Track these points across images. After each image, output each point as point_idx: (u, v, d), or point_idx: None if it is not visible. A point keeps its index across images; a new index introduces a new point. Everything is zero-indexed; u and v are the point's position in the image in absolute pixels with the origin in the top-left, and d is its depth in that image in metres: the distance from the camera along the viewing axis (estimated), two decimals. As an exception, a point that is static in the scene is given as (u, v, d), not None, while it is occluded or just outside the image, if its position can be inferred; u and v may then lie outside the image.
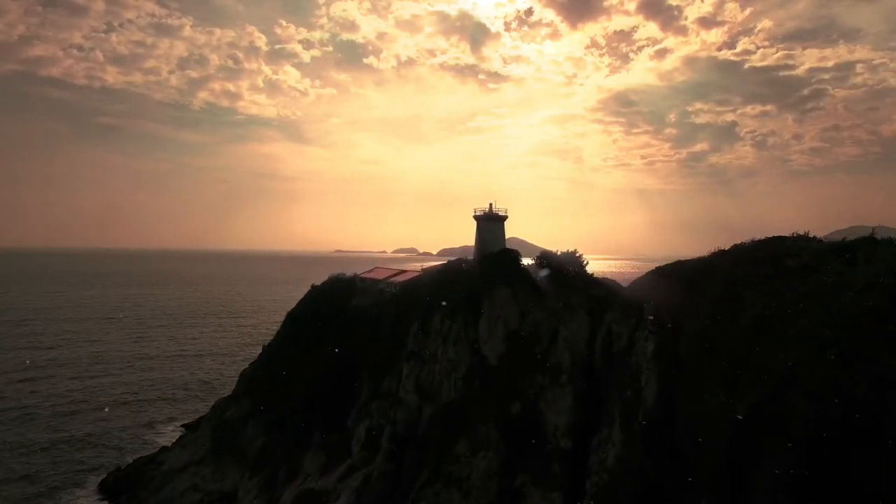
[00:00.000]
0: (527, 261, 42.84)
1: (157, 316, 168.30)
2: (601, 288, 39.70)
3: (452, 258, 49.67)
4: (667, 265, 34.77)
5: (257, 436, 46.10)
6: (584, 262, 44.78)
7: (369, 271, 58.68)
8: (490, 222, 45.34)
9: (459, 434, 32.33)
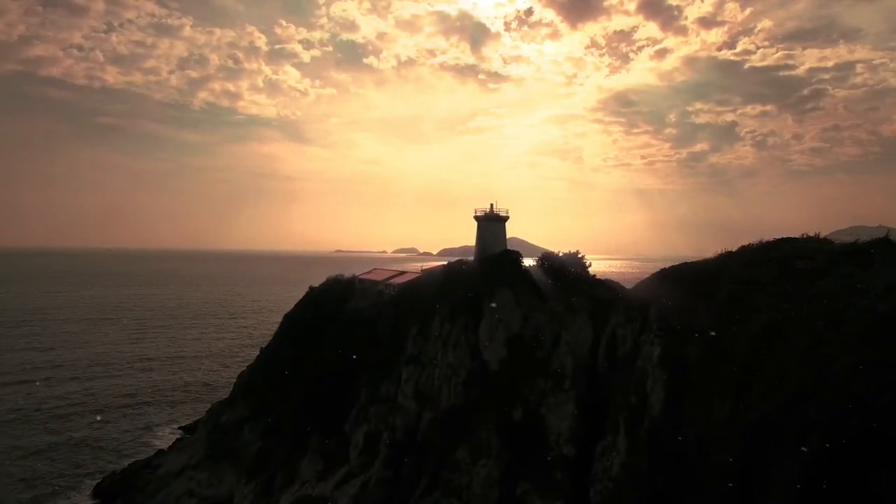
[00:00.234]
0: (528, 261, 42.03)
1: (156, 316, 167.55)
2: (604, 290, 38.89)
3: (453, 258, 48.86)
4: (672, 267, 33.92)
5: (254, 440, 45.30)
6: (587, 264, 43.97)
7: (368, 272, 57.86)
8: (491, 223, 44.51)
9: (459, 441, 31.53)
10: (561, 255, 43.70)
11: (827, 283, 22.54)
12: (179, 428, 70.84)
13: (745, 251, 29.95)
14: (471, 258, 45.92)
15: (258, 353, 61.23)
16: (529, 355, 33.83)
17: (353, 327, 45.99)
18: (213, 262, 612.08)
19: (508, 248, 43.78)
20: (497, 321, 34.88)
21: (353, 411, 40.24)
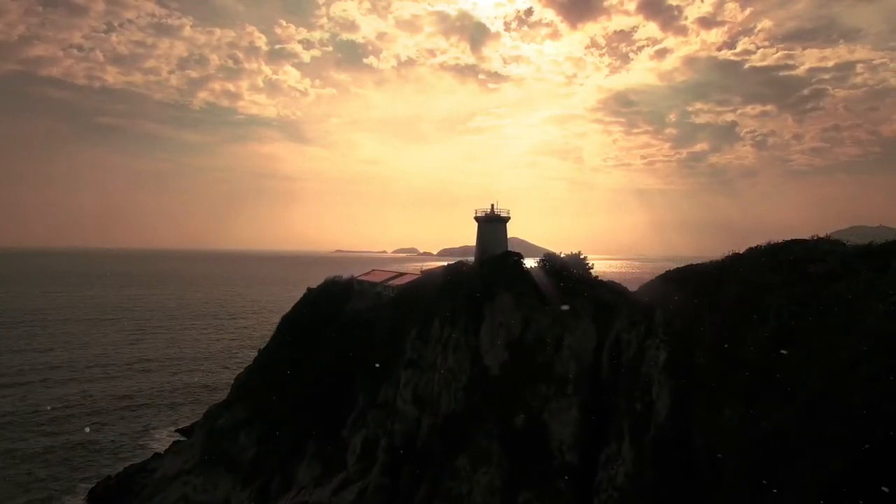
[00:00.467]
0: (529, 262, 41.23)
1: (156, 317, 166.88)
2: (607, 292, 38.06)
3: (453, 258, 48.11)
4: (677, 269, 33.08)
5: (250, 444, 44.50)
6: (589, 265, 43.16)
7: (367, 274, 57.04)
8: (491, 224, 43.65)
9: (460, 447, 30.72)
10: (563, 256, 42.92)
11: (841, 286, 21.71)
12: (177, 430, 70.19)
13: (753, 253, 29.09)
14: (471, 259, 45.12)
15: (256, 354, 60.54)
16: (531, 359, 33.02)
17: (351, 330, 45.20)
18: (213, 262, 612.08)
19: (509, 249, 42.93)
20: (498, 324, 34.07)
21: (351, 416, 39.43)
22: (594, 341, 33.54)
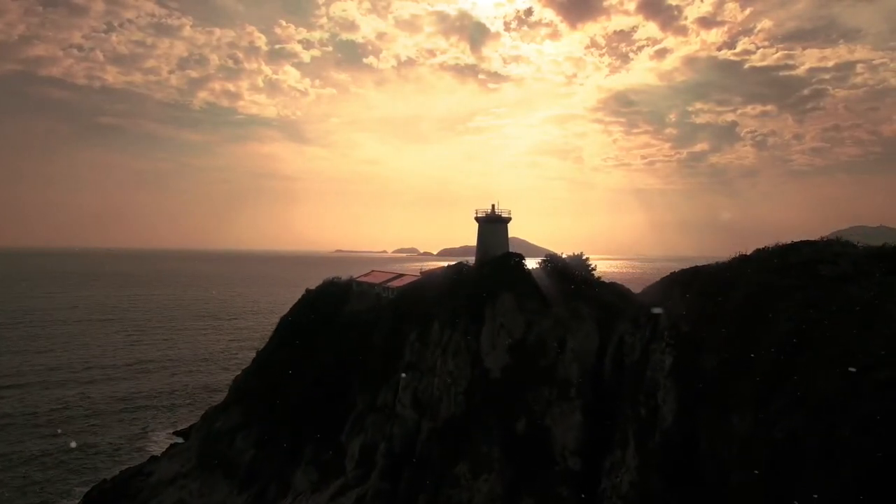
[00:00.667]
0: (530, 262, 40.54)
1: (155, 318, 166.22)
2: (610, 294, 37.40)
3: (453, 258, 47.45)
4: (682, 271, 32.36)
5: (247, 448, 43.81)
6: (592, 267, 42.46)
7: (366, 275, 56.34)
8: (492, 224, 42.90)
9: (460, 453, 30.02)
10: (565, 257, 42.24)
11: (854, 289, 21.03)
12: (175, 433, 69.55)
13: (762, 255, 28.39)
14: (471, 260, 44.42)
15: (254, 355, 59.87)
16: (533, 363, 32.32)
17: (349, 332, 44.50)
18: (213, 262, 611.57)
19: (510, 249, 42.20)
20: (499, 327, 33.36)
21: (349, 420, 38.73)
22: (597, 344, 32.85)
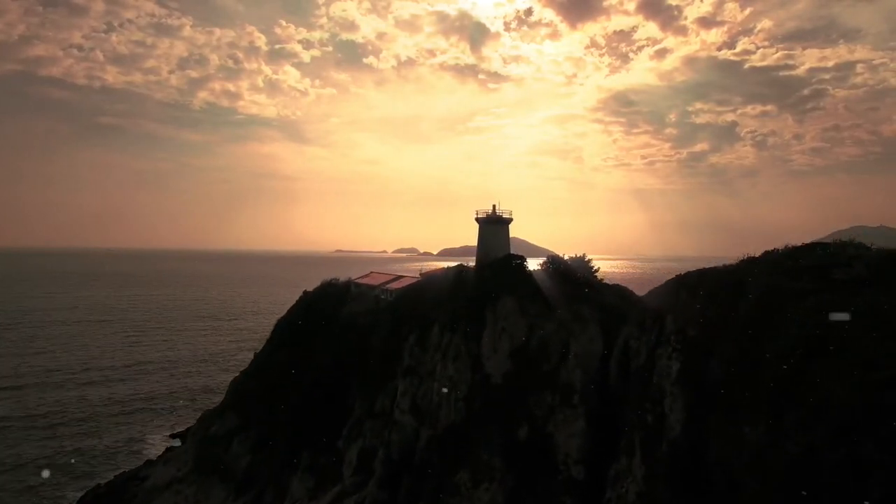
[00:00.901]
0: (531, 263, 39.69)
1: (154, 318, 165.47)
2: (614, 297, 36.54)
3: (453, 258, 46.63)
4: (688, 273, 31.49)
5: (243, 453, 42.98)
6: (594, 268, 41.62)
7: (364, 276, 55.48)
8: (493, 225, 41.98)
9: (460, 461, 29.16)
10: (566, 258, 41.40)
11: (871, 294, 20.16)
12: (172, 435, 68.76)
13: (771, 257, 27.51)
14: (472, 261, 43.57)
15: (252, 357, 59.11)
16: (535, 368, 31.46)
17: (347, 334, 43.64)
18: (213, 262, 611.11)
19: (513, 252, 41.31)
20: (500, 331, 32.50)
21: (346, 426, 37.86)
22: (601, 348, 32.00)
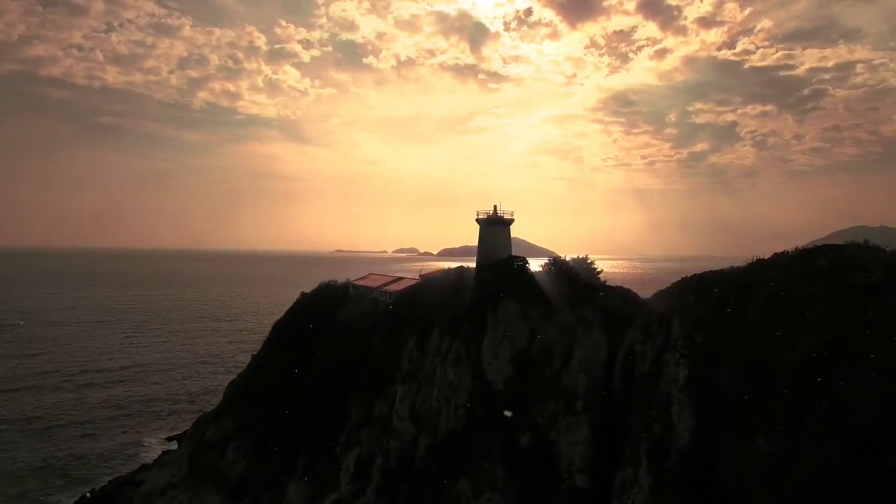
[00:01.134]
0: (532, 264, 38.78)
1: (153, 319, 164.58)
2: (618, 300, 35.60)
3: (453, 258, 45.73)
4: (695, 275, 30.57)
5: (238, 459, 42.06)
6: (597, 270, 40.67)
7: (363, 278, 54.52)
8: (494, 226, 40.99)
9: (460, 470, 28.25)
10: (568, 259, 40.47)
11: (891, 299, 19.26)
12: (169, 438, 67.87)
13: (782, 259, 26.59)
14: (472, 262, 42.65)
15: (250, 359, 58.24)
16: (537, 373, 30.55)
17: (345, 338, 42.70)
18: (213, 262, 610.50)
19: (514, 254, 40.35)
20: (502, 335, 31.58)
21: (344, 432, 36.92)
22: (605, 353, 31.08)
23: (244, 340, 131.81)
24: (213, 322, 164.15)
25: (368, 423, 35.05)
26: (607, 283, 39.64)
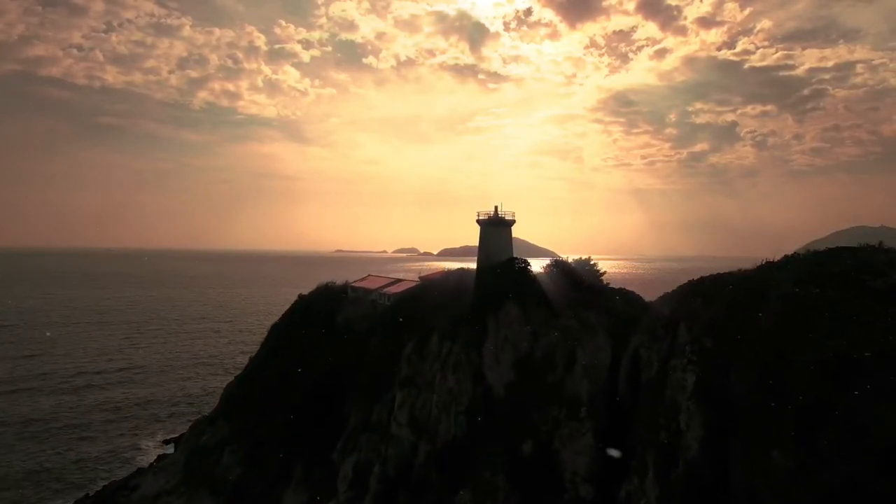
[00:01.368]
0: (532, 263, 37.92)
1: (151, 319, 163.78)
2: (622, 303, 34.75)
3: (453, 258, 44.88)
4: (702, 278, 29.73)
5: (234, 465, 41.23)
6: (600, 272, 39.85)
7: (361, 280, 53.69)
8: (495, 228, 40.10)
9: (461, 479, 27.40)
10: (571, 261, 39.63)
11: (911, 305, 18.42)
12: (166, 441, 67.09)
13: (793, 262, 25.74)
14: (472, 262, 41.76)
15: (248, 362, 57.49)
16: (540, 379, 29.69)
17: (343, 341, 41.85)
18: (213, 262, 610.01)
19: (516, 256, 39.47)
20: (503, 339, 30.73)
21: (341, 438, 36.08)
22: (610, 358, 30.22)
23: (244, 341, 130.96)
24: (212, 323, 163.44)
25: (366, 429, 34.21)
26: (610, 285, 38.83)
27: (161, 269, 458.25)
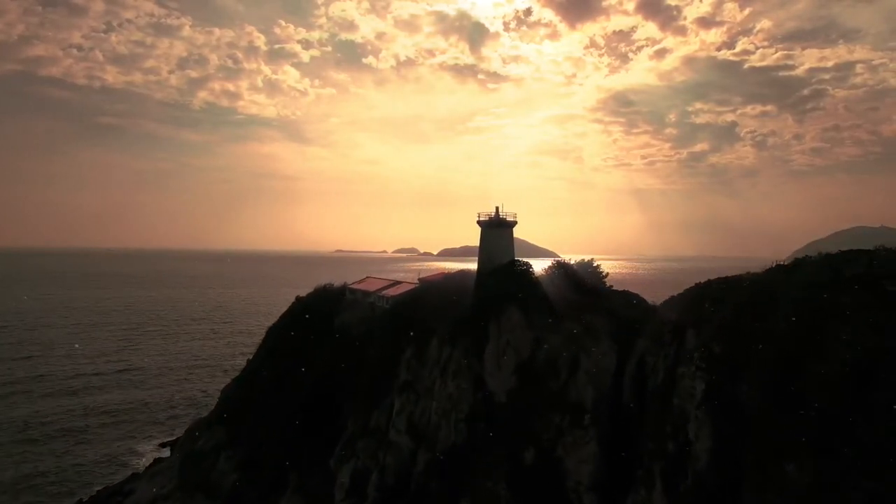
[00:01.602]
0: (533, 263, 37.08)
1: (150, 320, 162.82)
2: (626, 306, 33.90)
3: (453, 258, 44.09)
4: (709, 281, 28.91)
5: (229, 471, 40.41)
6: (603, 274, 38.96)
7: (360, 281, 52.85)
8: (497, 229, 39.20)
9: (461, 489, 26.58)
10: (573, 263, 38.74)
11: (933, 311, 17.60)
12: (162, 444, 66.24)
13: (804, 265, 24.91)
14: (473, 263, 40.90)
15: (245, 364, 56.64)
16: (542, 385, 28.87)
17: (341, 345, 41.01)
18: (213, 262, 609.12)
19: (518, 258, 38.59)
20: (505, 344, 29.88)
21: (338, 444, 35.23)
22: (614, 364, 29.38)
23: (243, 343, 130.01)
24: (211, 324, 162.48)
25: (364, 436, 33.38)
26: (613, 288, 37.97)
27: (161, 269, 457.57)
